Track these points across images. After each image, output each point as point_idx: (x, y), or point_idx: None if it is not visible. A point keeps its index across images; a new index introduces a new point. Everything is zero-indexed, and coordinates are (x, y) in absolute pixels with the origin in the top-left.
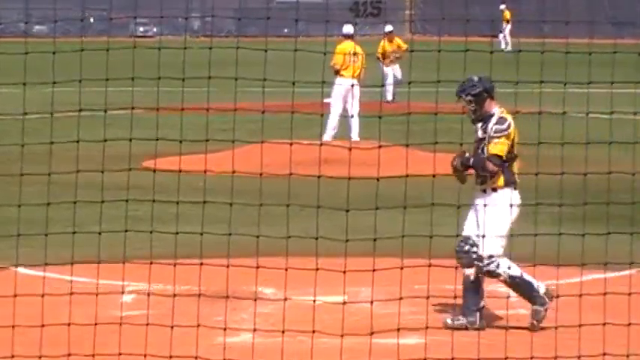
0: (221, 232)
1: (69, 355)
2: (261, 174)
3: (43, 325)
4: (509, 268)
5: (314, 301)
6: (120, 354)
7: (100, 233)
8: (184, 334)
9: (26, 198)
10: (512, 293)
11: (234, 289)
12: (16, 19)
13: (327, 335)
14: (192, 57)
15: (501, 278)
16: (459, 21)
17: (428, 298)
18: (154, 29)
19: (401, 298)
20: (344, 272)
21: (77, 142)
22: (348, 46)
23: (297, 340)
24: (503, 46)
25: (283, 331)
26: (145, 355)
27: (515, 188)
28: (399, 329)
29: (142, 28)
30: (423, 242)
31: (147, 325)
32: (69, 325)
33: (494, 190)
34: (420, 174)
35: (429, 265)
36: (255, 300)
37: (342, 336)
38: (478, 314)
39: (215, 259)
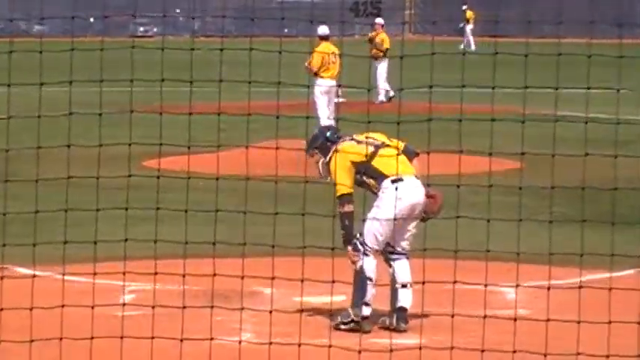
0: (222, 231)
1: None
2: (276, 182)
3: (32, 341)
4: (368, 265)
5: (330, 315)
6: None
7: (95, 242)
8: (185, 334)
9: (26, 197)
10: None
11: (235, 289)
12: (16, 18)
13: (327, 336)
14: (191, 56)
15: (357, 265)
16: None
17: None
18: (154, 29)
19: (425, 315)
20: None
21: (68, 146)
22: (326, 47)
23: (297, 340)
24: (462, 46)
25: (300, 345)
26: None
27: (393, 182)
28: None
29: (141, 28)
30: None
31: (152, 338)
32: (60, 339)
33: (377, 192)
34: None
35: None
36: (271, 313)
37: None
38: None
39: (218, 259)
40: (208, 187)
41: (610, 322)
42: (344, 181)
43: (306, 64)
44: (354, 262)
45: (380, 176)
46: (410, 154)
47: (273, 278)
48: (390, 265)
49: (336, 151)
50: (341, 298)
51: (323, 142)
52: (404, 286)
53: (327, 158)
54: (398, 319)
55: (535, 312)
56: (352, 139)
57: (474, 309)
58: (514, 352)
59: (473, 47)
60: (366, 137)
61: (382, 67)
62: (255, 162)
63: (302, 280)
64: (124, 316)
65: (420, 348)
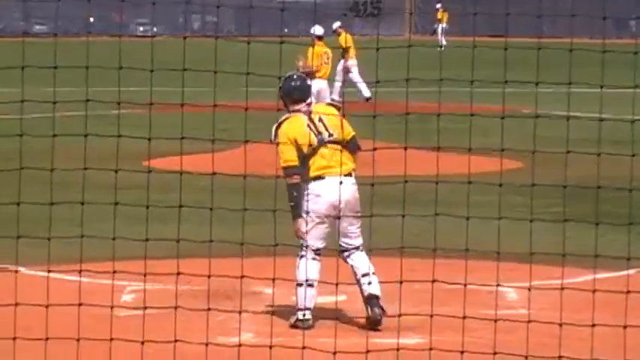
0: (221, 231)
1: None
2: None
3: (12, 341)
4: (302, 267)
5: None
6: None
7: (82, 236)
8: (184, 335)
9: (25, 196)
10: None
11: (235, 289)
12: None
13: (326, 335)
14: (191, 56)
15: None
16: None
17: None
18: (155, 29)
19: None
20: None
21: (51, 137)
22: (322, 48)
23: (297, 340)
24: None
25: (271, 347)
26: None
27: (315, 180)
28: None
29: (141, 28)
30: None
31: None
32: (45, 348)
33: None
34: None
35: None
36: (240, 313)
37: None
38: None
39: (215, 258)
40: (209, 184)
41: (593, 325)
42: (289, 153)
43: (300, 63)
44: (299, 238)
45: (307, 171)
46: (352, 149)
47: (242, 277)
48: (348, 262)
49: (286, 120)
50: (341, 297)
51: (280, 90)
52: (365, 275)
53: (277, 124)
54: (372, 306)
55: (535, 312)
56: (308, 115)
57: (475, 309)
58: (495, 353)
59: (444, 42)
60: (319, 116)
61: (353, 65)
62: (254, 160)
63: (273, 282)
64: (124, 316)
65: (398, 350)
